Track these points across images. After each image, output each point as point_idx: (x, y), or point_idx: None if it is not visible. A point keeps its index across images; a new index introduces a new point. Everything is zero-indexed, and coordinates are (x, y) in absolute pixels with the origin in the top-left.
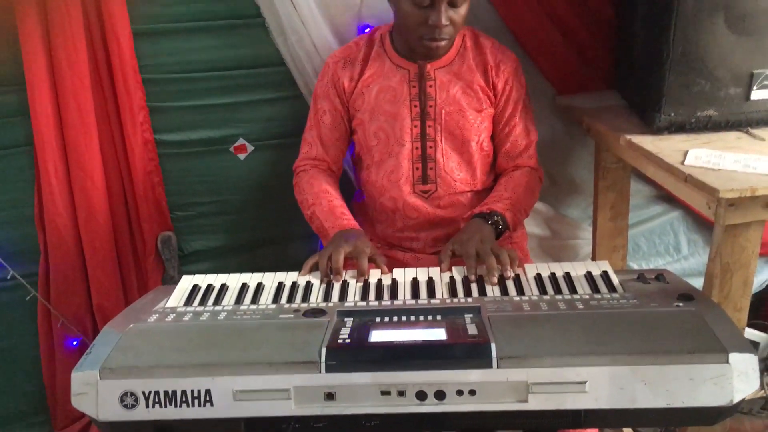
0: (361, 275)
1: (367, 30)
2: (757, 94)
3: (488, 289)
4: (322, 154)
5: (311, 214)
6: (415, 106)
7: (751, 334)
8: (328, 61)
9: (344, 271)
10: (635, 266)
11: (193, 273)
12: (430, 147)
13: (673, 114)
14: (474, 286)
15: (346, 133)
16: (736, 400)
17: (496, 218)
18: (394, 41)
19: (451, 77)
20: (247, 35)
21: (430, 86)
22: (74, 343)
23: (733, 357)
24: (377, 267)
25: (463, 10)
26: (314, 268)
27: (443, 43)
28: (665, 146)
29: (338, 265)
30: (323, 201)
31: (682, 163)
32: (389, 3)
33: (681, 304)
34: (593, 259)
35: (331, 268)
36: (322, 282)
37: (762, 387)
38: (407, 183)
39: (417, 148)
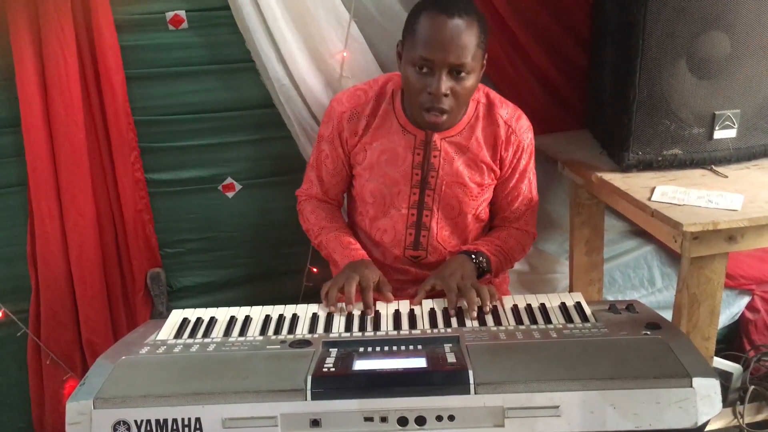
0: (367, 308)
1: None
2: (719, 134)
3: (467, 320)
4: (321, 195)
5: (318, 243)
6: (417, 174)
7: (724, 364)
8: (334, 105)
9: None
10: (611, 299)
11: (182, 309)
12: (426, 215)
13: (640, 153)
14: (453, 318)
15: (346, 177)
16: (700, 423)
17: (480, 258)
18: (404, 101)
19: (457, 149)
20: (237, 78)
21: (435, 156)
22: (63, 378)
23: (697, 381)
24: (383, 297)
25: (468, 81)
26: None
27: (444, 117)
28: (634, 183)
29: (350, 296)
30: (329, 232)
31: (650, 199)
32: (398, 66)
33: (648, 333)
34: (570, 292)
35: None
36: (331, 312)
37: (735, 416)
38: (398, 246)
39: (413, 214)
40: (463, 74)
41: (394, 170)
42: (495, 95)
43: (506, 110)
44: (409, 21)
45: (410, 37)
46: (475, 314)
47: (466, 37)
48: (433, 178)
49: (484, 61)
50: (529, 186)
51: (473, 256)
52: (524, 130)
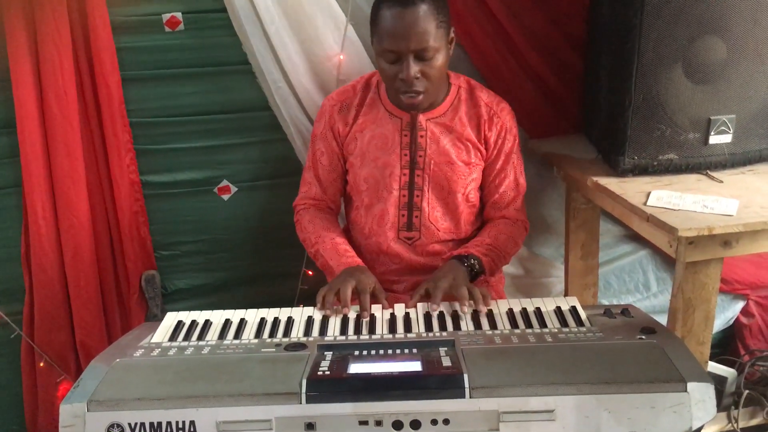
0: (363, 310)
1: None
2: (714, 139)
3: (462, 323)
4: (320, 194)
5: (315, 252)
6: (405, 154)
7: (719, 369)
8: (325, 103)
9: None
10: (606, 303)
11: (177, 311)
12: (417, 195)
13: (636, 157)
14: (449, 321)
15: (342, 173)
16: (695, 427)
17: (472, 261)
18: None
19: (442, 129)
20: (233, 81)
21: (421, 136)
22: (57, 381)
23: (691, 386)
24: (379, 302)
25: (436, 61)
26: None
27: (420, 98)
28: (629, 188)
29: (346, 298)
30: (326, 240)
31: (645, 203)
32: (376, 60)
33: (643, 337)
34: (566, 296)
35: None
36: (328, 316)
37: (729, 420)
38: (392, 229)
39: (404, 195)
40: (429, 56)
41: (384, 153)
42: (475, 82)
43: (487, 94)
44: (371, 16)
45: (375, 31)
46: (466, 309)
47: (423, 23)
48: (421, 158)
49: (452, 35)
50: (514, 169)
51: (464, 260)
52: (506, 112)
